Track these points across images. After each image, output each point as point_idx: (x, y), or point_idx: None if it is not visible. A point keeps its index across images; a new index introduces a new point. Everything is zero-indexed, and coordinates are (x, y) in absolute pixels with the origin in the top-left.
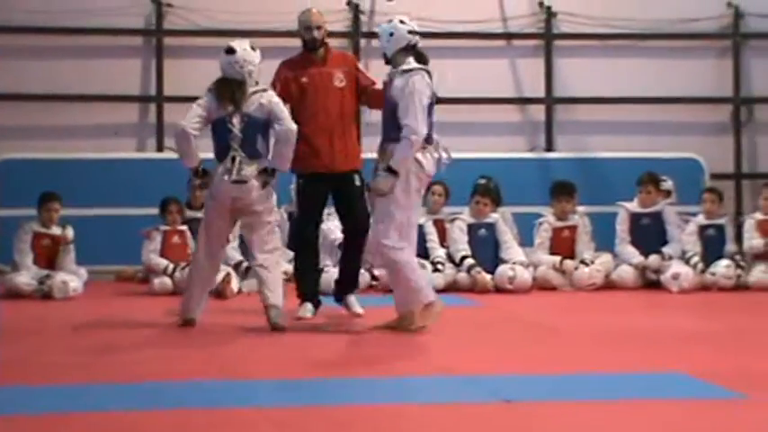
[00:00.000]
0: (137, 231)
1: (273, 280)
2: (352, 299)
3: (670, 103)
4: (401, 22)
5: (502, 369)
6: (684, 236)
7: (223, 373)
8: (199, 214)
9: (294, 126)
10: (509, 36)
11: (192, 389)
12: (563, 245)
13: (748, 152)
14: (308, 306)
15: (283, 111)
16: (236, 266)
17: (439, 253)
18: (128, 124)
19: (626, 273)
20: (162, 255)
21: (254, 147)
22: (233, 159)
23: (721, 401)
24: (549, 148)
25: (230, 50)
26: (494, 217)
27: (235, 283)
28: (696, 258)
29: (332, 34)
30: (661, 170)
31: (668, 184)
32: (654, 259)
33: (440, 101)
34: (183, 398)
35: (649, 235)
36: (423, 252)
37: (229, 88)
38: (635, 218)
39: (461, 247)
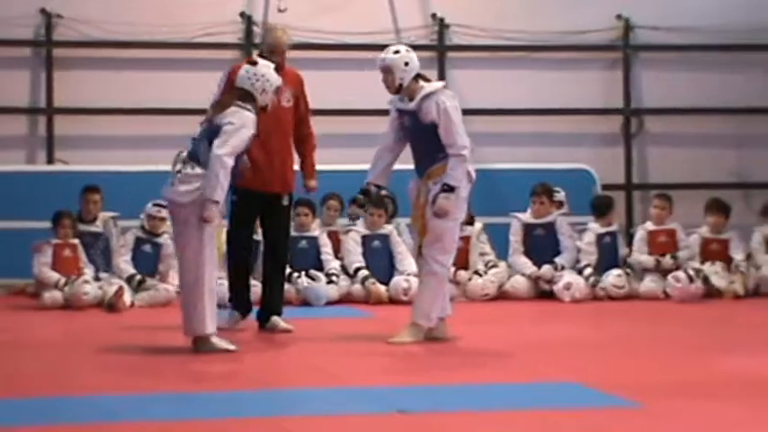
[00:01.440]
0: (27, 245)
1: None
2: (277, 318)
3: (562, 115)
4: (407, 51)
5: (396, 380)
6: (583, 245)
7: (118, 388)
8: (92, 228)
9: (221, 152)
10: None
11: (86, 404)
12: (456, 255)
13: (639, 163)
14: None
15: (224, 133)
16: (129, 279)
17: (333, 264)
18: (17, 136)
19: (519, 283)
20: (53, 268)
21: (196, 151)
22: (178, 155)
23: (615, 410)
24: None
25: (254, 62)
26: (387, 228)
27: (128, 297)
28: (589, 270)
29: (225, 45)
30: (553, 181)
31: (561, 194)
32: (547, 270)
33: (333, 112)
34: (77, 412)
35: (542, 245)
36: (317, 264)
37: (230, 95)
38: (528, 228)
39: (355, 258)
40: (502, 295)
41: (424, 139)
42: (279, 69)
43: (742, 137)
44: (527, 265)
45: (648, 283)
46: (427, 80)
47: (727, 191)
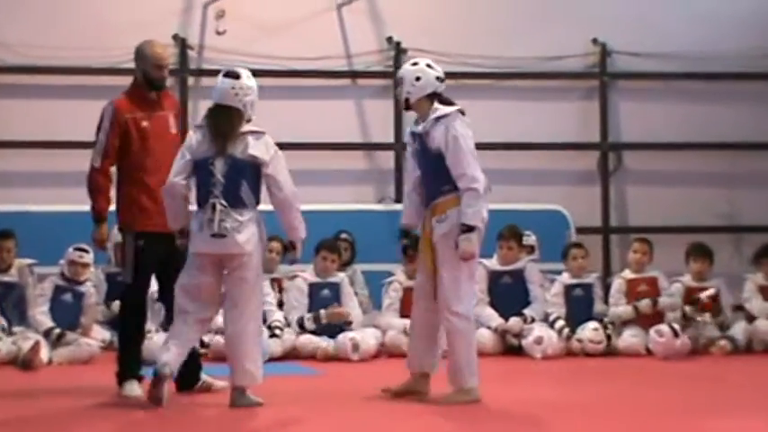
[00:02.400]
0: None
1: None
2: (205, 377)
3: (532, 149)
4: (428, 66)
5: None
6: (550, 297)
7: None
8: (5, 278)
9: (294, 188)
10: (354, 74)
11: None
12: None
13: (617, 204)
14: (135, 384)
15: (279, 173)
16: (47, 333)
17: (276, 317)
18: None
19: (484, 337)
20: None
21: (237, 194)
22: (213, 208)
23: None
24: (399, 200)
25: (235, 75)
26: (339, 276)
27: (45, 353)
28: (561, 322)
29: None
30: (522, 223)
31: (531, 238)
32: (515, 322)
33: (279, 146)
34: None
35: (510, 295)
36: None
37: (226, 119)
38: (494, 276)
39: (299, 312)
40: None
41: (429, 166)
42: (163, 86)
43: (731, 175)
44: (493, 317)
45: (629, 338)
46: (449, 103)
47: (716, 235)
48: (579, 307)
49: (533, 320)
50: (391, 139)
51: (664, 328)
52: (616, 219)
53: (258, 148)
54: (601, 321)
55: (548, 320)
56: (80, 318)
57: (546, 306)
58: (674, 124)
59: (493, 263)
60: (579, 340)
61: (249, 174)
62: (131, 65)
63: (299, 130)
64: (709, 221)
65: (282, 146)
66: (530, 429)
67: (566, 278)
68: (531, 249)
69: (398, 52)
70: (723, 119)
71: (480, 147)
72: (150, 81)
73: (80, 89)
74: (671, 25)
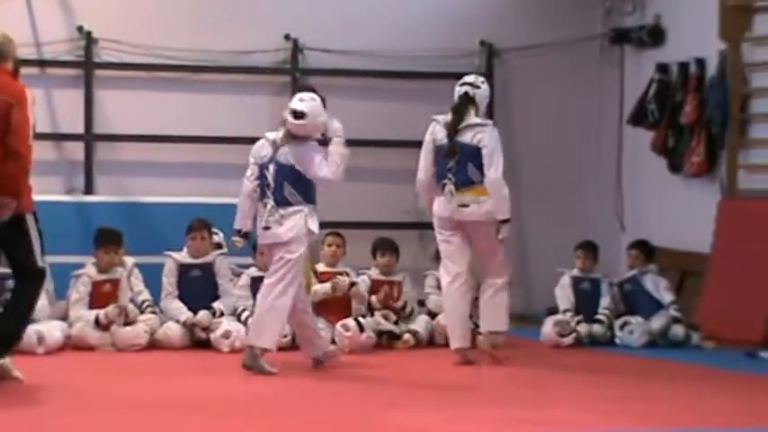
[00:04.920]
0: None
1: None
2: (7, 362)
3: (225, 143)
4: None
5: None
6: (237, 290)
7: None
8: None
9: (333, 176)
10: (43, 63)
11: None
12: (104, 300)
13: None
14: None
15: (316, 170)
16: None
17: None
18: None
19: (173, 331)
20: None
21: (282, 194)
22: (264, 207)
23: None
24: (89, 191)
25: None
26: None
27: None
28: (246, 313)
29: None
30: (215, 216)
31: (219, 236)
32: (203, 316)
33: None
34: None
35: (199, 288)
36: None
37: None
38: (184, 269)
39: None
40: (154, 344)
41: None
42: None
43: (417, 172)
44: (181, 311)
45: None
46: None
47: (402, 231)
48: None
49: (222, 314)
50: (81, 130)
51: (350, 322)
52: None
53: (294, 155)
54: None
55: (236, 313)
56: None
57: (234, 300)
58: (364, 121)
59: (183, 255)
60: None
61: (292, 176)
62: None
63: None
64: (396, 218)
65: None
66: (216, 419)
67: (253, 271)
68: (218, 245)
69: (89, 42)
70: (409, 117)
71: (173, 140)
72: (18, 69)
73: None
74: (362, 23)
